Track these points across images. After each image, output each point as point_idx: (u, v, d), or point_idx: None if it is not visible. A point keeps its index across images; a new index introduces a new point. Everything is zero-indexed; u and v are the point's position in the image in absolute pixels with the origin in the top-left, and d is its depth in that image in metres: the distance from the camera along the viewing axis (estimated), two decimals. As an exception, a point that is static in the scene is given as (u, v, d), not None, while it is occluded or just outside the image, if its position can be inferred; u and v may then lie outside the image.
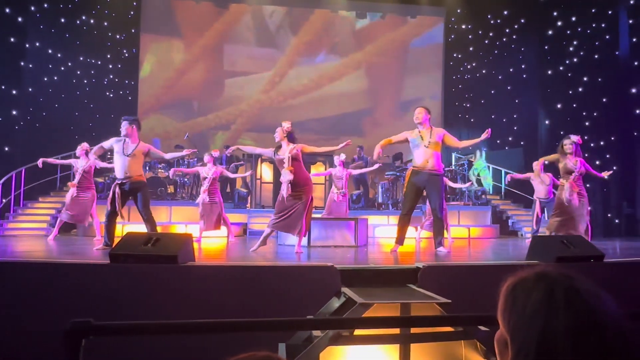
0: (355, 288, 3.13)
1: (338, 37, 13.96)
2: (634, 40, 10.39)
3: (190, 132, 11.13)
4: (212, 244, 6.87)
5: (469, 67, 13.31)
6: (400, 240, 5.38)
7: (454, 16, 13.74)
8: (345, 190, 7.74)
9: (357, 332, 2.51)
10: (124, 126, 5.34)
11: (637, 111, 10.33)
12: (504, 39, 12.31)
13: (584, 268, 3.69)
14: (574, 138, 5.94)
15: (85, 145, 6.85)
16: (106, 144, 5.49)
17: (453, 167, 11.13)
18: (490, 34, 12.63)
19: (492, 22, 12.58)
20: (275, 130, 5.36)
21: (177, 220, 8.77)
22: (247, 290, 3.26)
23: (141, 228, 5.40)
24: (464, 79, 13.51)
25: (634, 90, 10.40)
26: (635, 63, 10.36)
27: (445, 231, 5.85)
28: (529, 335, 0.75)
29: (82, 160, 6.79)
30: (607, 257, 3.92)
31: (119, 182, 5.28)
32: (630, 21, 10.44)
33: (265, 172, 10.91)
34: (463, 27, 13.49)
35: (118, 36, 12.41)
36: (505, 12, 12.16)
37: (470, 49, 13.20)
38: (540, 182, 7.69)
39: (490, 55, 12.70)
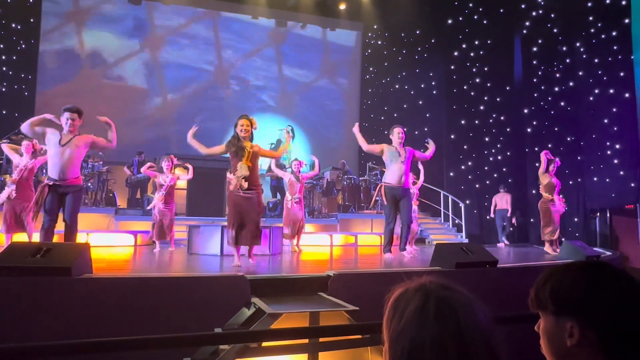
0: (265, 298, 3.08)
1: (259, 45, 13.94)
2: (527, 66, 11.57)
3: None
4: (117, 253, 6.42)
5: (383, 81, 13.90)
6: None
7: (371, 31, 14.31)
8: (300, 196, 7.26)
9: (266, 343, 2.46)
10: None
11: (529, 129, 11.48)
12: (416, 57, 13.03)
13: (480, 273, 3.98)
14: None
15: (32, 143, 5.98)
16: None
17: (367, 177, 11.50)
18: (404, 51, 13.31)
19: (405, 40, 13.27)
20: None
21: (79, 228, 8.04)
22: (152, 303, 3.07)
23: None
24: (379, 92, 14.07)
25: (526, 111, 11.55)
26: (527, 87, 11.53)
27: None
28: (401, 347, 0.76)
29: (25, 158, 5.96)
30: (500, 263, 4.27)
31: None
32: (523, 49, 11.62)
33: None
34: (379, 42, 14.08)
35: (14, 25, 11.28)
36: (418, 32, 12.89)
37: (385, 64, 13.80)
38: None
39: (403, 70, 13.37)
